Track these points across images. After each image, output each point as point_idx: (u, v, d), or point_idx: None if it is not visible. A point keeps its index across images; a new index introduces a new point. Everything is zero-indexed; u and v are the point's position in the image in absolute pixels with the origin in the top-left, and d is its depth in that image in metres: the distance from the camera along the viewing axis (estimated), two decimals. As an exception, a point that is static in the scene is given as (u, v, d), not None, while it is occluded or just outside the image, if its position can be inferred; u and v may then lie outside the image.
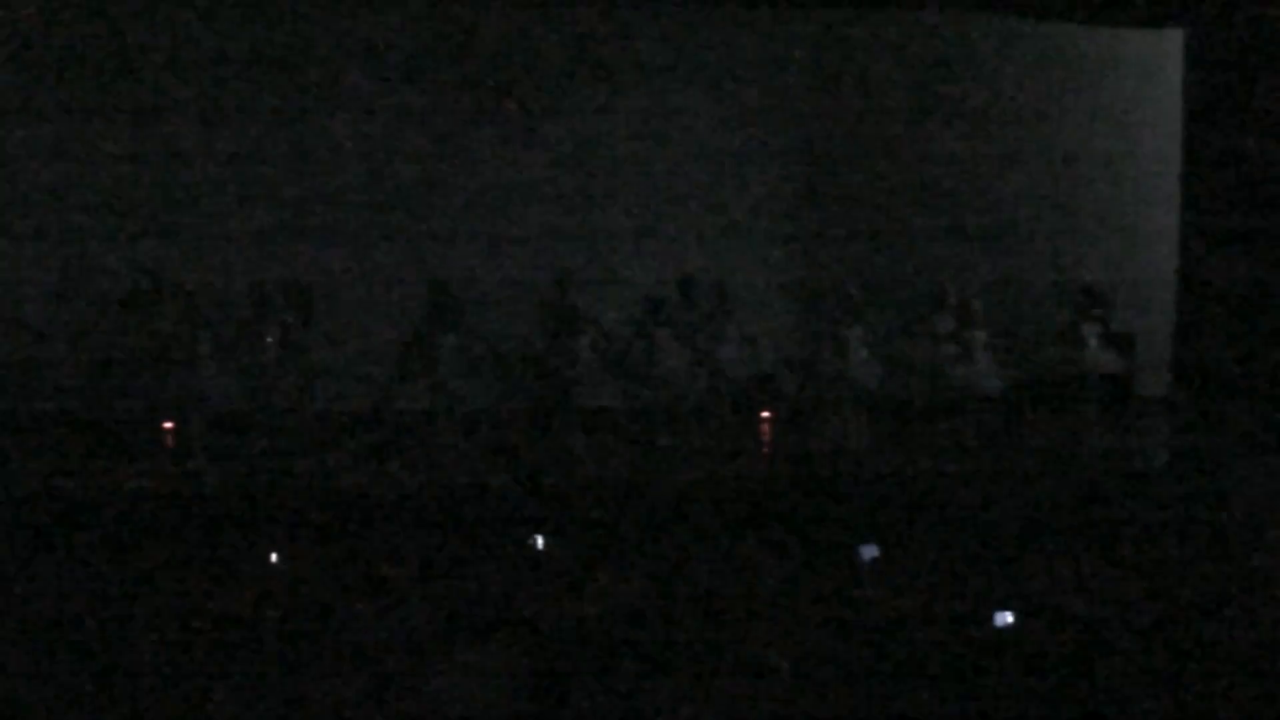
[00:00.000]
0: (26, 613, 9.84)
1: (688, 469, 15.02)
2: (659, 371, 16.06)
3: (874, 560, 10.82)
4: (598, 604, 9.90)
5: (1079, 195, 19.02)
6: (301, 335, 15.71)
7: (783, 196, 18.64)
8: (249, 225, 17.34)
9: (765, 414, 16.93)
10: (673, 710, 8.21)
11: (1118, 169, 18.99)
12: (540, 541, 11.55)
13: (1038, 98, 19.00)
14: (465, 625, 9.26)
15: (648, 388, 16.12)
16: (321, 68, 17.57)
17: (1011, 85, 18.99)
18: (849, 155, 18.66)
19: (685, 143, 18.35)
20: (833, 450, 15.91)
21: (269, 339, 15.49)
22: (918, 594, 10.31)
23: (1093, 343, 16.48)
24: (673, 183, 18.31)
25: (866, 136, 18.63)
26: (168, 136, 17.23)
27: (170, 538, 11.89)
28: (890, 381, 16.44)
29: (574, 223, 18.05)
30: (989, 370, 16.38)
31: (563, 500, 13.59)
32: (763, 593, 10.37)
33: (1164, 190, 18.02)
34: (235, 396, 15.33)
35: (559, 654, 8.75)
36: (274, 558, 11.17)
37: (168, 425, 15.42)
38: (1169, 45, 18.08)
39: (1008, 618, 9.33)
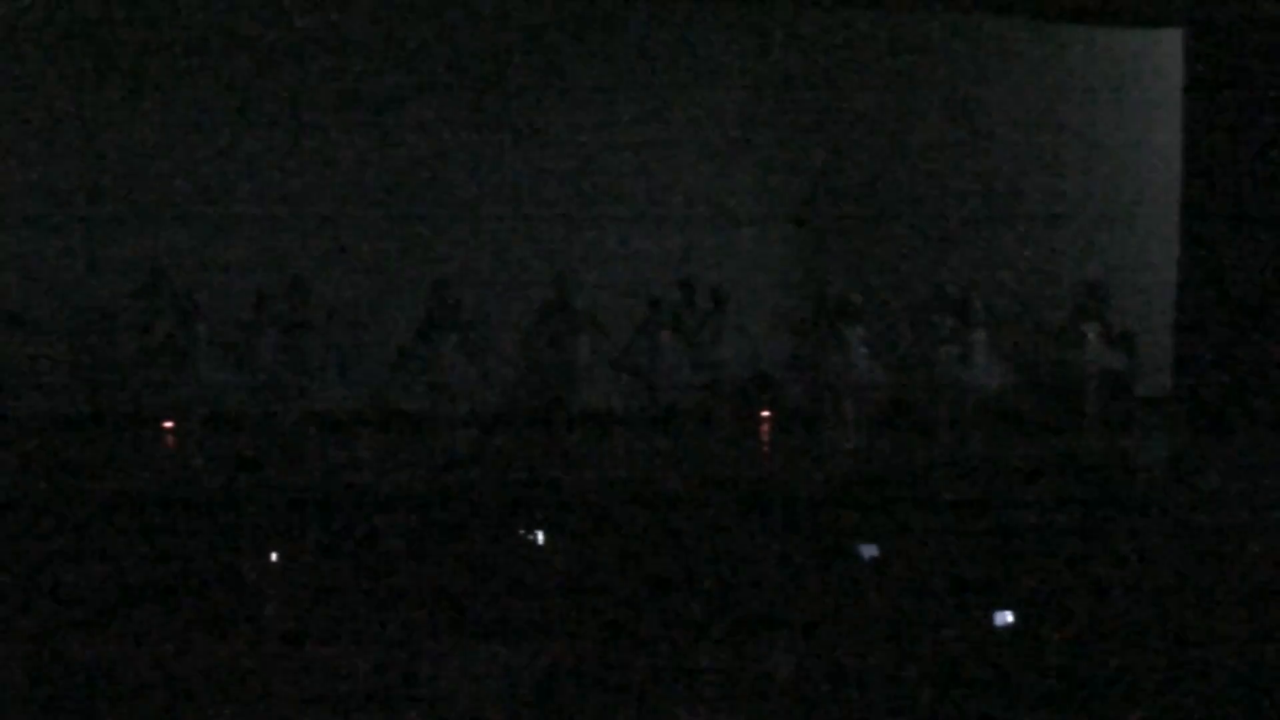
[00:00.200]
0: (26, 611, 9.83)
1: (688, 468, 15.00)
2: (659, 371, 16.06)
3: (874, 559, 10.82)
4: (598, 604, 9.89)
5: (1080, 194, 19.02)
6: (301, 334, 15.70)
7: (784, 196, 18.64)
8: (249, 225, 17.33)
9: (765, 413, 16.93)
10: (674, 710, 8.21)
11: (1118, 167, 19.00)
12: (540, 536, 11.55)
13: (1039, 97, 19.00)
14: (465, 625, 9.25)
15: (648, 387, 16.12)
16: (323, 67, 17.57)
17: (1013, 85, 18.99)
18: (850, 155, 18.66)
19: (687, 143, 18.35)
20: (833, 449, 15.90)
21: (268, 338, 15.48)
22: (917, 593, 10.29)
23: (1093, 341, 16.48)
24: (674, 183, 18.32)
25: (868, 136, 18.63)
26: (168, 136, 17.24)
27: (169, 536, 11.86)
28: (891, 381, 16.44)
29: (575, 223, 18.06)
30: (989, 369, 16.38)
31: (563, 500, 13.57)
32: (763, 592, 10.36)
33: (1164, 189, 18.03)
34: (234, 395, 15.33)
35: (560, 654, 8.74)
36: (273, 557, 11.16)
37: (167, 424, 15.42)
38: (1169, 45, 18.07)
39: (1007, 617, 9.33)
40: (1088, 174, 19.07)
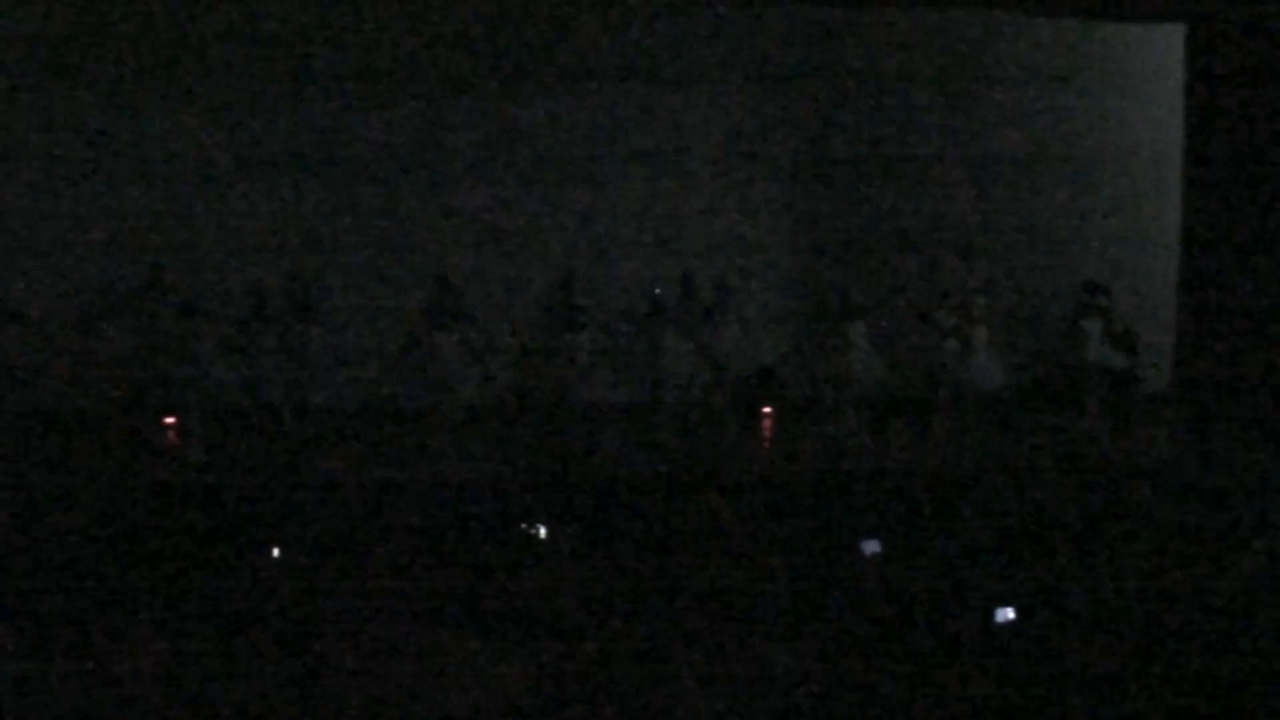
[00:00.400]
0: (28, 609, 9.84)
1: (690, 464, 15.00)
2: (661, 368, 16.07)
3: (876, 556, 10.83)
4: (600, 600, 9.91)
5: (1081, 191, 19.01)
6: (302, 331, 15.70)
7: (785, 193, 18.64)
8: (250, 222, 17.34)
9: (767, 410, 16.93)
10: (676, 705, 8.22)
11: (1120, 165, 18.99)
12: (543, 530, 11.57)
13: (1040, 94, 18.99)
14: (468, 621, 9.27)
15: (650, 384, 16.13)
16: (325, 65, 17.56)
17: (1014, 82, 18.98)
18: (851, 152, 18.66)
19: (689, 140, 18.35)
20: (834, 446, 15.91)
21: (269, 335, 15.49)
22: (919, 589, 10.30)
23: (1095, 339, 16.48)
24: (676, 180, 18.32)
25: (869, 134, 18.63)
26: (169, 133, 17.23)
27: (171, 533, 11.88)
28: (892, 378, 16.45)
29: (577, 219, 18.07)
30: (991, 366, 16.38)
31: (565, 496, 13.58)
32: (765, 588, 10.37)
33: (1166, 186, 18.02)
34: (236, 392, 15.34)
35: (562, 649, 8.76)
36: (275, 553, 11.18)
37: (169, 420, 15.43)
38: (1171, 41, 18.06)
39: (1009, 613, 9.34)
40: (1089, 170, 19.06)
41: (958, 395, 16.41)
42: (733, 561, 11.10)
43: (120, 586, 10.28)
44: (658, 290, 16.38)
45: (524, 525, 11.81)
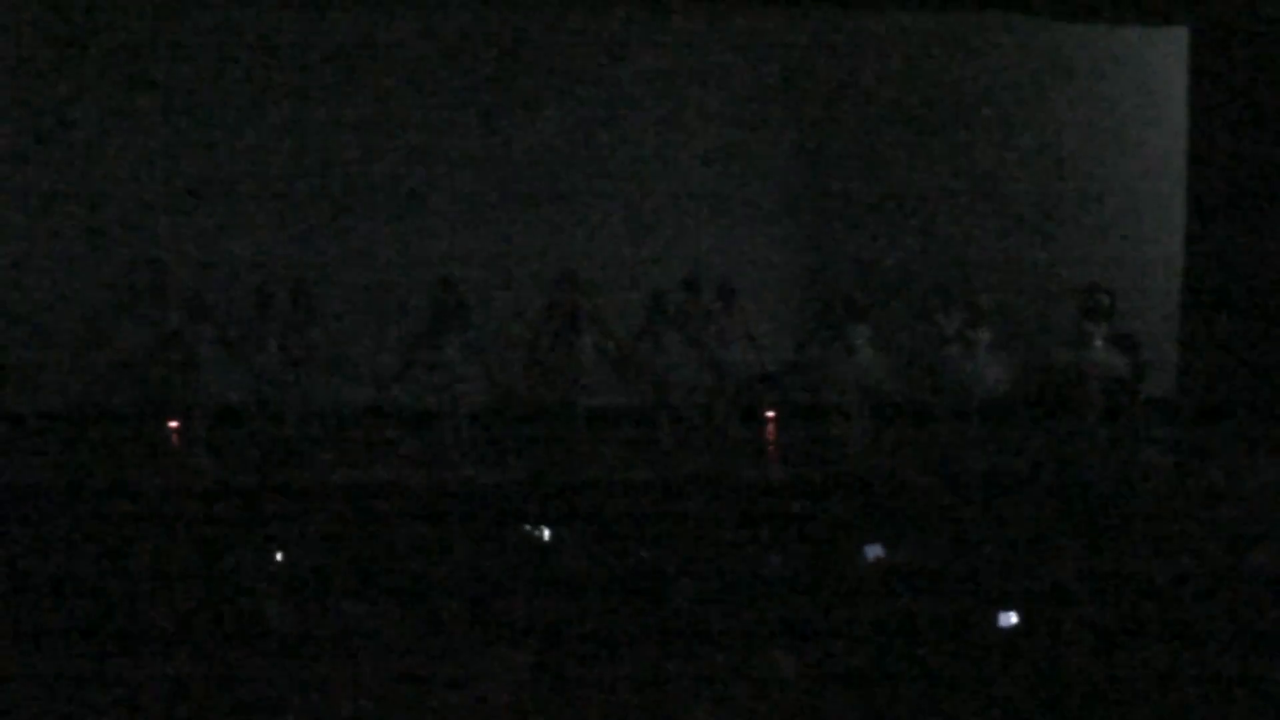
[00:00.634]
0: (28, 612, 9.83)
1: (692, 468, 15.00)
2: (664, 370, 16.06)
3: (878, 560, 10.82)
4: (601, 603, 9.90)
5: (1084, 194, 19.01)
6: (305, 332, 15.69)
7: (788, 194, 18.64)
8: (253, 221, 17.34)
9: (770, 413, 16.92)
10: (677, 711, 8.21)
11: (1122, 167, 18.98)
12: (546, 533, 11.57)
13: (1042, 96, 18.99)
14: (469, 625, 9.26)
15: (652, 386, 16.12)
16: (328, 64, 17.56)
17: (1017, 84, 18.98)
18: (854, 153, 18.67)
19: (691, 140, 18.36)
20: (837, 449, 15.90)
21: (272, 336, 15.48)
22: (922, 594, 10.29)
23: (1098, 343, 16.46)
24: (678, 180, 18.32)
25: (872, 135, 18.63)
26: (172, 133, 17.24)
27: (174, 535, 11.87)
28: (895, 381, 16.43)
29: (579, 220, 18.07)
30: (994, 370, 16.37)
31: (566, 499, 13.57)
32: (767, 592, 10.36)
33: (1169, 189, 18.02)
34: (239, 394, 15.34)
35: (563, 654, 8.74)
36: (278, 556, 11.17)
37: (172, 423, 15.42)
38: (1174, 43, 18.06)
39: (1011, 618, 9.33)
40: (1092, 173, 19.06)
41: (960, 398, 16.40)
42: (735, 565, 11.09)
43: (123, 590, 10.27)
44: (660, 293, 16.36)
45: (527, 529, 11.79)
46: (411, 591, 10.17)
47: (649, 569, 10.94)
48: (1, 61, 16.89)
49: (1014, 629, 9.29)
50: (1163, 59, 18.64)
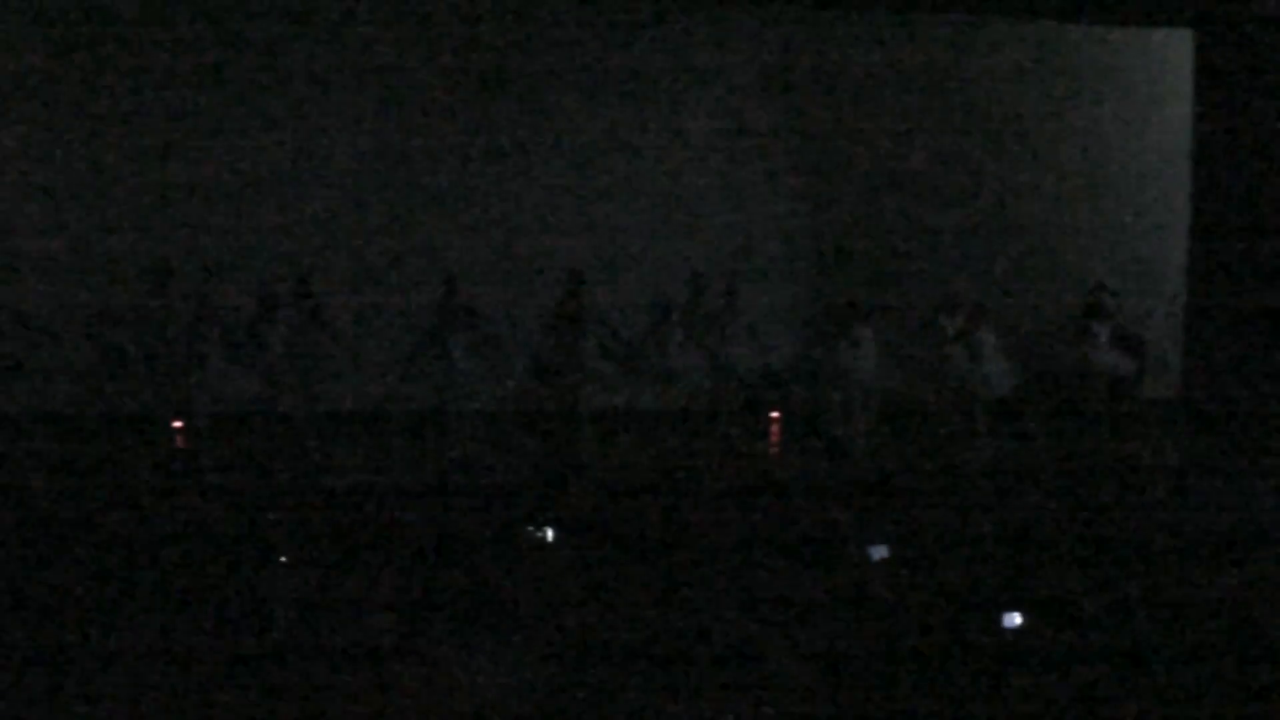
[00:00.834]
0: (33, 612, 9.85)
1: (697, 468, 15.01)
2: (669, 370, 16.07)
3: (883, 560, 10.83)
4: (607, 603, 9.91)
5: (1089, 196, 19.02)
6: (310, 333, 15.69)
7: (793, 197, 18.66)
8: (258, 224, 17.35)
9: (774, 413, 16.94)
10: (683, 710, 8.22)
11: (1129, 167, 18.99)
12: (550, 533, 11.58)
13: (1047, 98, 19.01)
14: (476, 625, 9.27)
15: (658, 386, 16.13)
16: (334, 66, 17.58)
17: (1022, 86, 19.00)
18: (859, 155, 18.68)
19: (697, 142, 18.37)
20: (842, 450, 15.91)
21: (277, 337, 15.49)
22: (926, 594, 10.30)
23: (1103, 344, 16.47)
24: (684, 182, 18.33)
25: (877, 136, 18.65)
26: (178, 134, 17.24)
27: (179, 536, 11.89)
28: (900, 382, 16.45)
29: (585, 222, 18.08)
30: (998, 371, 16.38)
31: (572, 499, 13.58)
32: (771, 592, 10.37)
33: (1174, 191, 18.02)
34: (244, 395, 15.35)
35: (569, 653, 8.76)
36: (283, 557, 11.19)
37: (177, 424, 15.44)
38: (1178, 45, 18.06)
39: (1015, 619, 9.34)
40: (1097, 174, 19.07)
41: (965, 399, 16.41)
42: (738, 565, 11.11)
43: (129, 591, 10.29)
44: (665, 294, 16.38)
45: (532, 529, 11.80)
46: (417, 591, 10.19)
47: (657, 568, 10.96)
48: (7, 62, 16.89)
49: (1018, 629, 9.30)
50: (1168, 60, 18.65)
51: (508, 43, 17.95)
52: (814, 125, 18.61)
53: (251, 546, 11.48)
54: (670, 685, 8.48)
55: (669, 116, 18.31)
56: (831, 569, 10.90)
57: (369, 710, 8.31)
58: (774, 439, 16.63)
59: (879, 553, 10.92)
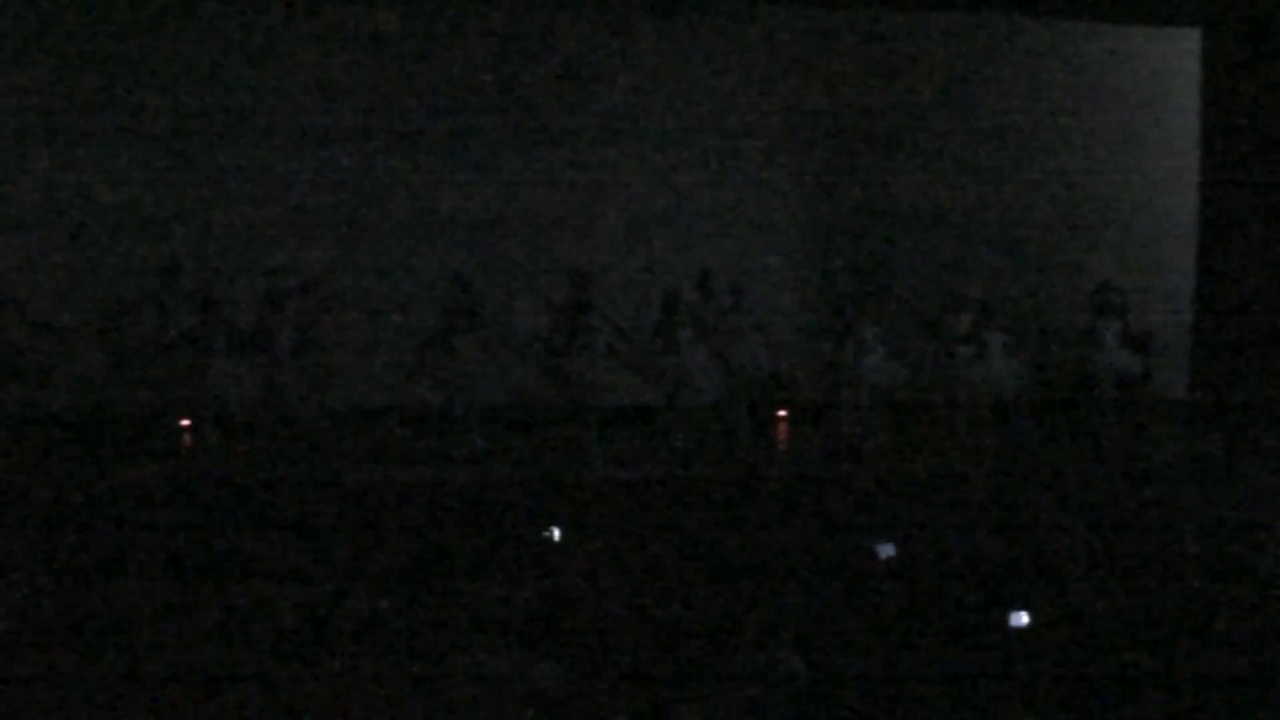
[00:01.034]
0: (38, 612, 9.85)
1: (704, 466, 15.00)
2: (676, 369, 16.06)
3: (890, 559, 10.82)
4: (614, 603, 9.91)
5: (1097, 194, 19.00)
6: (317, 332, 15.70)
7: (800, 195, 18.65)
8: (264, 221, 17.35)
9: (781, 412, 16.93)
10: (688, 710, 8.21)
11: (1135, 167, 18.97)
12: (556, 533, 11.57)
13: (1055, 96, 18.99)
14: (483, 624, 9.27)
15: (664, 385, 16.12)
16: (337, 65, 17.58)
17: (1029, 84, 18.98)
18: (867, 154, 18.67)
19: (703, 140, 18.36)
20: (849, 449, 15.90)
21: (284, 336, 15.49)
22: (933, 593, 10.29)
23: (1110, 343, 16.45)
24: (690, 180, 18.33)
25: (884, 135, 18.63)
26: (183, 133, 17.24)
27: (186, 536, 11.88)
28: (907, 381, 16.44)
29: (591, 220, 18.08)
30: (1006, 370, 16.37)
31: (579, 498, 13.58)
32: (778, 591, 10.36)
33: (1182, 190, 18.01)
34: (251, 394, 15.34)
35: (576, 653, 8.75)
36: (291, 554, 11.18)
37: (184, 423, 15.44)
38: (1186, 44, 18.05)
39: (1023, 618, 9.33)
40: (1105, 173, 19.05)
41: (973, 399, 16.40)
42: (747, 565, 11.10)
43: (135, 591, 10.29)
44: (672, 292, 16.37)
45: (538, 529, 11.80)
46: (423, 590, 10.18)
47: (661, 568, 10.96)
48: (14, 62, 16.90)
49: (1025, 628, 9.29)
50: (1175, 59, 18.63)
51: (514, 40, 17.95)
52: (821, 123, 18.60)
53: (258, 545, 11.49)
54: (677, 682, 8.47)
55: (676, 114, 18.30)
56: (839, 568, 10.89)
57: (380, 710, 8.31)
58: (781, 438, 16.62)
59: (886, 551, 10.90)
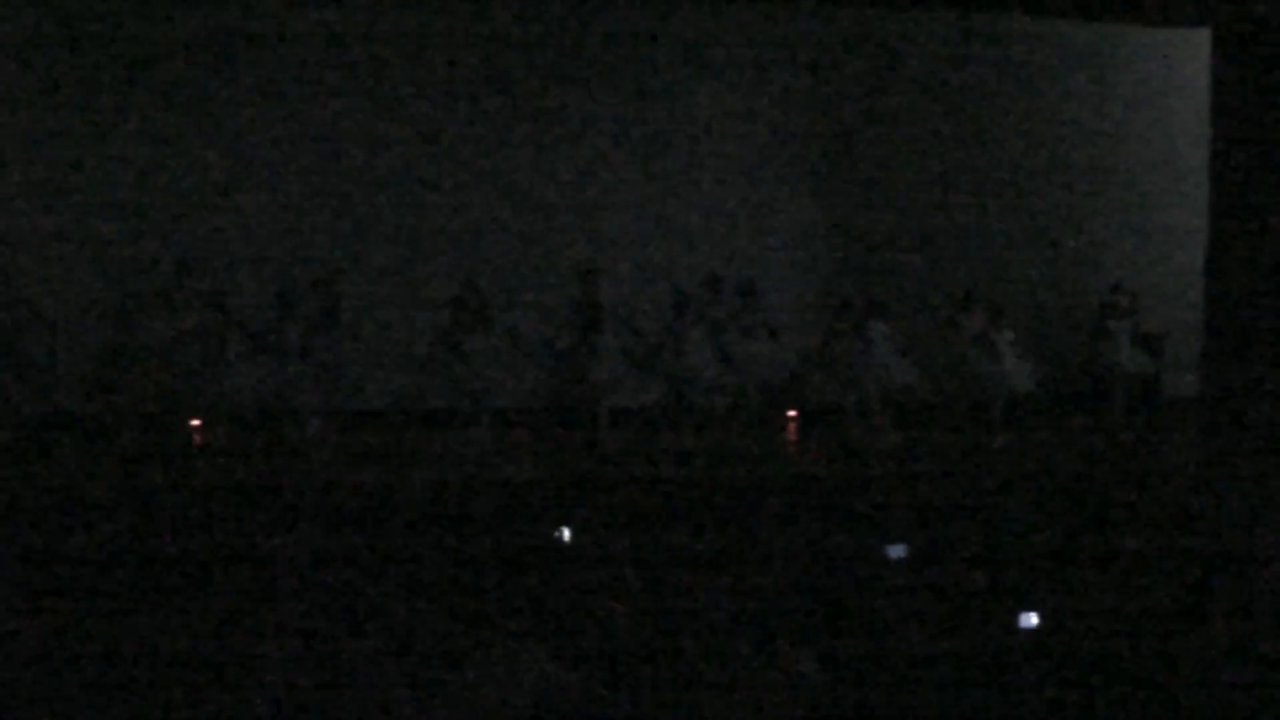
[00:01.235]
0: (48, 613, 9.87)
1: (715, 467, 15.01)
2: (686, 368, 16.07)
3: (901, 560, 10.83)
4: (625, 603, 9.91)
5: (1107, 194, 19.01)
6: (329, 331, 15.71)
7: (812, 194, 18.66)
8: (276, 222, 17.38)
9: (792, 412, 16.93)
10: (700, 711, 8.23)
11: (1146, 166, 18.98)
12: (566, 533, 11.59)
13: (1066, 96, 19.00)
14: (492, 625, 9.27)
15: (675, 385, 16.13)
16: (353, 65, 17.60)
17: (1039, 83, 18.99)
18: (878, 154, 18.67)
19: (713, 139, 18.38)
20: (860, 449, 15.91)
21: (296, 335, 15.50)
22: (944, 594, 10.30)
23: (1121, 342, 16.45)
24: (700, 179, 18.35)
25: (896, 135, 18.64)
26: (195, 133, 17.27)
27: (198, 535, 11.92)
28: (918, 380, 16.44)
29: (602, 220, 18.10)
30: (1017, 370, 16.38)
31: (589, 498, 13.60)
32: (790, 592, 10.37)
33: (1192, 188, 17.99)
34: (262, 394, 15.36)
35: (586, 653, 8.76)
36: (303, 555, 11.21)
37: (194, 423, 15.46)
38: (1196, 43, 18.03)
39: (1032, 619, 9.34)
40: (1116, 173, 19.05)
41: (984, 398, 16.40)
42: (758, 565, 11.11)
43: (145, 592, 10.31)
44: (682, 292, 16.38)
45: (549, 529, 11.82)
46: (434, 590, 10.20)
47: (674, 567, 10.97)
48: (25, 63, 16.93)
49: (1035, 630, 9.30)
50: (1185, 59, 18.62)
51: (525, 37, 17.97)
52: (831, 122, 18.61)
53: (269, 545, 11.52)
54: (691, 682, 8.48)
55: (685, 113, 18.31)
56: (850, 568, 10.91)
57: (392, 709, 8.33)
58: (791, 438, 16.62)
59: (897, 552, 10.92)
